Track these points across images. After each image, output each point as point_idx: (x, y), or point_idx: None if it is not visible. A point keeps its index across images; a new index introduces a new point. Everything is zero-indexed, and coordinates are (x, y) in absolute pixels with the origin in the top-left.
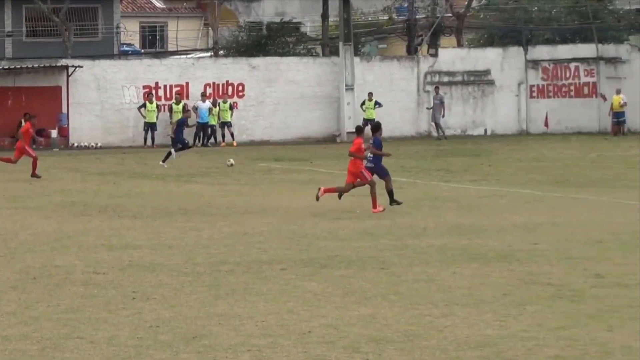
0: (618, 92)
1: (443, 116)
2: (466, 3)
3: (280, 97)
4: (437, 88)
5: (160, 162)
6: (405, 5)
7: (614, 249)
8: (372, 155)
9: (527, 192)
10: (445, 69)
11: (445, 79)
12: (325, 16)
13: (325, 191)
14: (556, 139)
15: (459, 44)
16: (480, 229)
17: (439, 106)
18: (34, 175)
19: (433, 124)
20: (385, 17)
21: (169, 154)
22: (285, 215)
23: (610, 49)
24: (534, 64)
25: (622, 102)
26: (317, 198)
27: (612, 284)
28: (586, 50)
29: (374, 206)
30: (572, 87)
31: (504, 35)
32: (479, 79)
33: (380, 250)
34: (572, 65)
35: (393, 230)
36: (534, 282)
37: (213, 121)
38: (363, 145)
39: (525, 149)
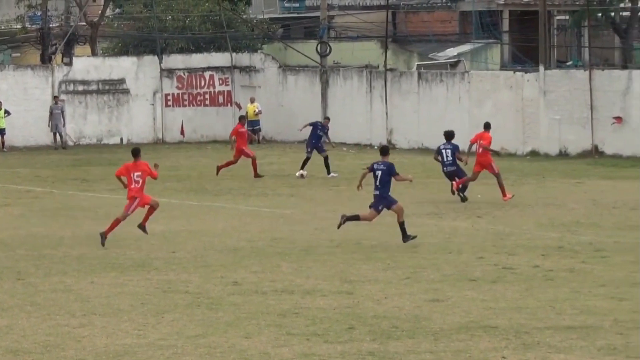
0: (252, 100)
1: (64, 125)
2: (100, 12)
3: None
4: (56, 97)
5: (329, 175)
6: (39, 14)
7: (250, 257)
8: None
9: (164, 200)
10: (80, 77)
11: (80, 87)
12: None
13: (459, 183)
14: (192, 148)
15: (94, 53)
16: (118, 237)
17: (59, 116)
18: (256, 175)
19: (57, 133)
20: (19, 26)
21: (326, 163)
22: None
23: (244, 58)
24: (169, 72)
25: (256, 110)
26: (453, 193)
27: (249, 291)
28: (220, 59)
29: (504, 194)
30: (207, 96)
31: (138, 44)
32: (114, 88)
33: (17, 261)
34: (207, 73)
35: (29, 241)
36: (172, 290)
37: None
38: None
39: (161, 158)
